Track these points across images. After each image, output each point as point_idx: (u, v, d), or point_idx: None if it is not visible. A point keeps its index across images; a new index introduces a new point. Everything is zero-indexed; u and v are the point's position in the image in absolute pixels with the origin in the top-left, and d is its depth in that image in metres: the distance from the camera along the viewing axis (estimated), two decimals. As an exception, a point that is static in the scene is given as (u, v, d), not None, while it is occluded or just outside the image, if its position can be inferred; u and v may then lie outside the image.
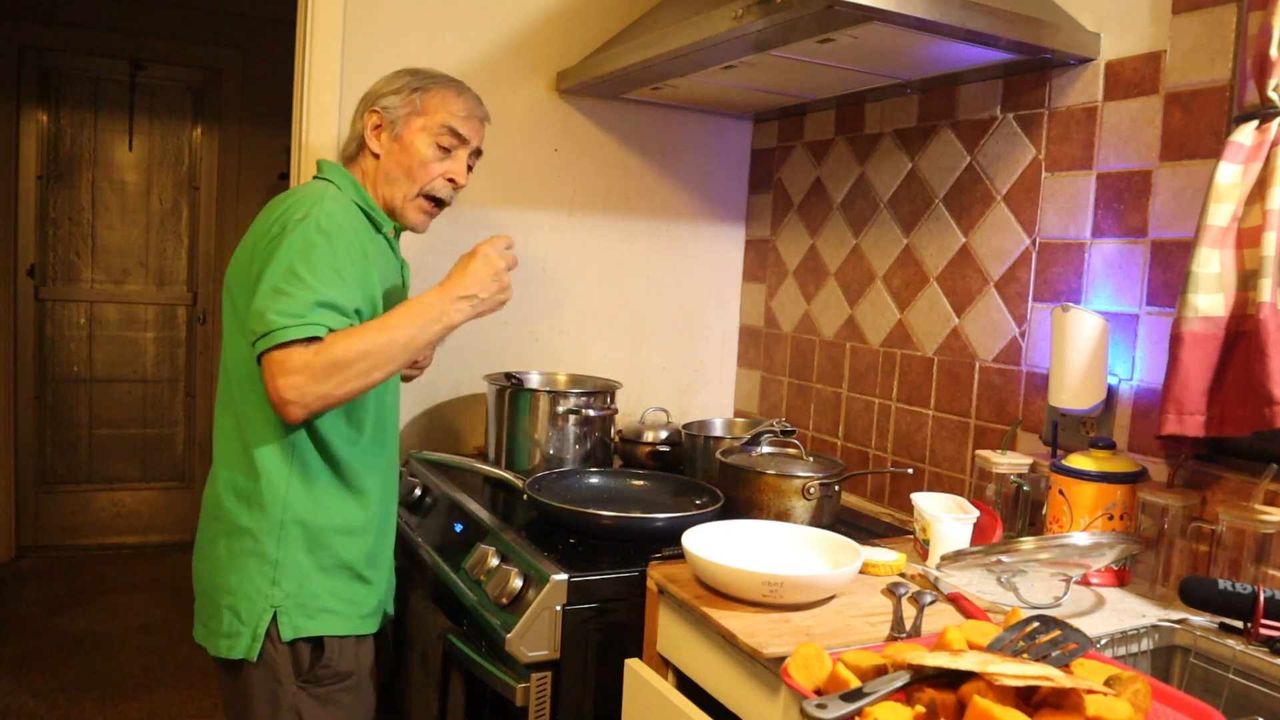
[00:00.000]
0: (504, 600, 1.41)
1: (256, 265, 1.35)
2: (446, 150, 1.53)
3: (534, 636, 1.36)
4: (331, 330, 1.30)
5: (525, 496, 1.68)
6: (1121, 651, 1.21)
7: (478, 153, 1.60)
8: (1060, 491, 1.42)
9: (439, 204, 1.56)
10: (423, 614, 1.63)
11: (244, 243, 1.44)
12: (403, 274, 1.65)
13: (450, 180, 1.55)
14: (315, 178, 1.55)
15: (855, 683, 0.91)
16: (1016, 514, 1.56)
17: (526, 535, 1.57)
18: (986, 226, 1.77)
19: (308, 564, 1.41)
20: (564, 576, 1.37)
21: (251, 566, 1.39)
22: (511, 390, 1.97)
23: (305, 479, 1.41)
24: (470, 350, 2.18)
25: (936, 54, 1.62)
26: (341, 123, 1.98)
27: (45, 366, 4.20)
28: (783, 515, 1.60)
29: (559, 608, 1.37)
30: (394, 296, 1.52)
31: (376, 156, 1.53)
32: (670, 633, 1.31)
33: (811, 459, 1.72)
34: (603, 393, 2.02)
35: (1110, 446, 1.41)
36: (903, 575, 1.38)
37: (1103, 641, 1.19)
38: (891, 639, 1.13)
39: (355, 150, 1.56)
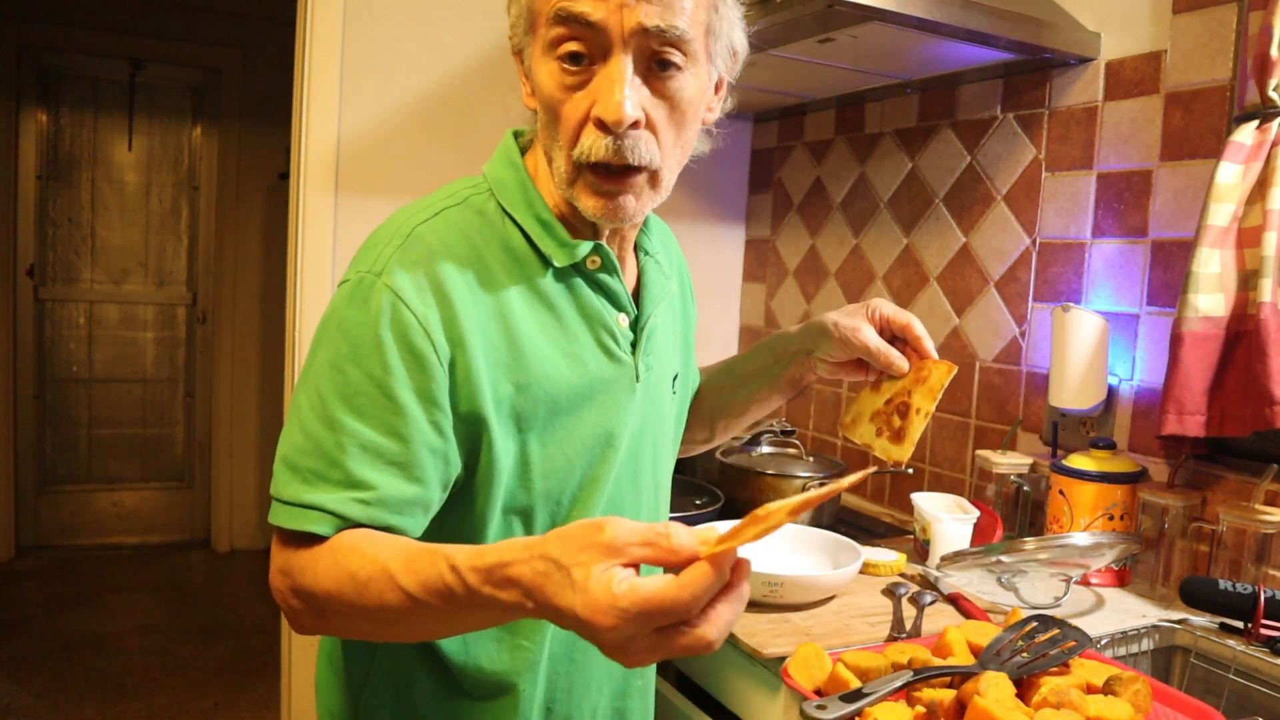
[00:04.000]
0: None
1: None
2: (573, 64, 0.81)
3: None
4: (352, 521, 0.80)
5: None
6: (1122, 651, 1.21)
7: (660, 57, 0.81)
8: (1060, 491, 1.42)
9: (618, 174, 0.83)
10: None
11: None
12: (637, 325, 0.96)
13: (599, 122, 0.81)
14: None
15: (855, 683, 0.90)
16: (1017, 514, 1.56)
17: (526, 535, 1.56)
18: (986, 226, 1.76)
19: None
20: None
21: None
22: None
23: None
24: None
25: (936, 54, 1.61)
26: (342, 122, 1.97)
27: (45, 366, 4.20)
28: (783, 515, 1.60)
29: (559, 608, 1.36)
30: (599, 397, 0.92)
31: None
32: (670, 633, 1.31)
33: (811, 459, 1.72)
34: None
35: (1110, 446, 1.41)
36: (903, 575, 1.38)
37: (1103, 641, 1.19)
38: (891, 639, 1.13)
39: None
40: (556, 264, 0.89)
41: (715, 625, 0.62)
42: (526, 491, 0.89)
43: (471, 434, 0.85)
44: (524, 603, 0.67)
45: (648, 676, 1.06)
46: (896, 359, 1.03)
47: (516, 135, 0.97)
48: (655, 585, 0.61)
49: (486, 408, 0.84)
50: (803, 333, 1.09)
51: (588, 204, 0.85)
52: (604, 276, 0.92)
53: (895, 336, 1.04)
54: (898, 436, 1.00)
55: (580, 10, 0.79)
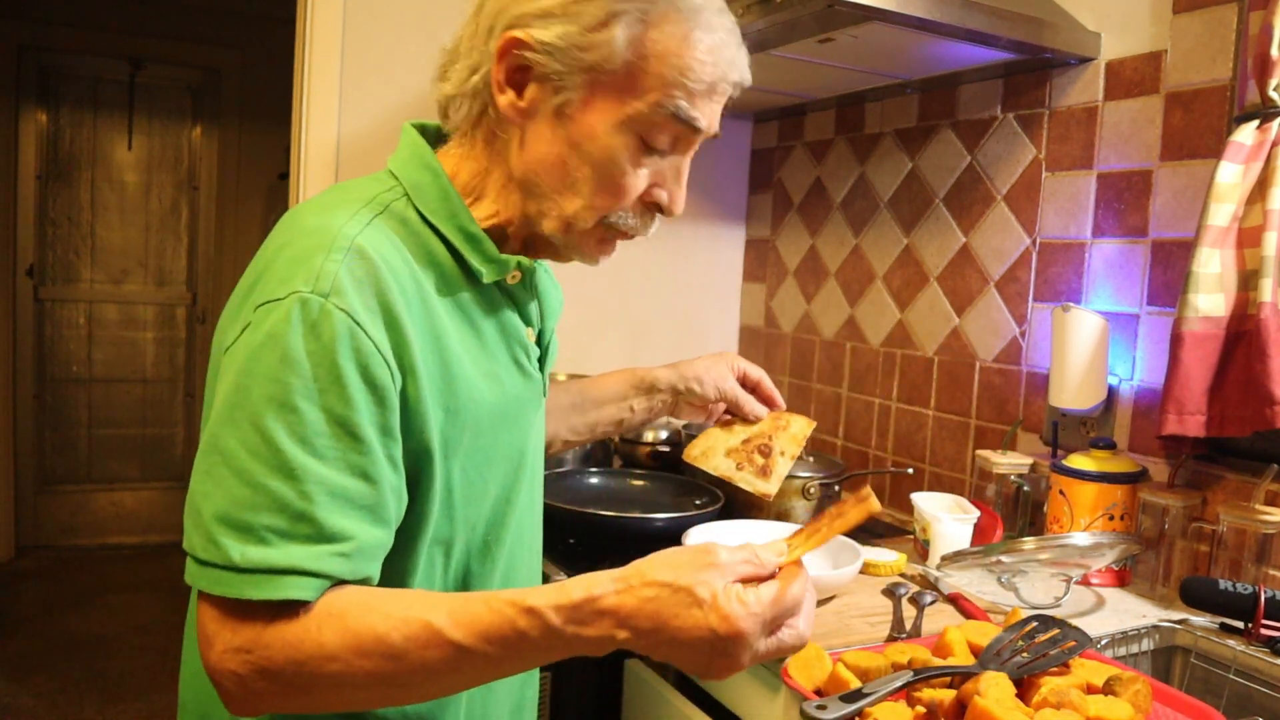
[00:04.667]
0: (504, 600, 1.41)
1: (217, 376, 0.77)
2: (654, 149, 0.83)
3: (534, 637, 1.36)
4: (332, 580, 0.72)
5: (525, 497, 1.67)
6: (1122, 652, 1.21)
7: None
8: (1060, 492, 1.41)
9: (628, 234, 0.88)
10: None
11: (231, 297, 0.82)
12: (540, 346, 0.97)
13: (653, 203, 0.86)
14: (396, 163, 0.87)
15: (855, 683, 0.90)
16: (1017, 514, 1.56)
17: (526, 535, 1.57)
18: (986, 226, 1.76)
19: None
20: (564, 577, 1.37)
21: None
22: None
23: None
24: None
25: (936, 54, 1.61)
26: (342, 122, 1.97)
27: (45, 366, 4.21)
28: (783, 515, 1.60)
29: (559, 608, 1.37)
30: (512, 410, 0.89)
31: (503, 135, 0.84)
32: (670, 633, 1.31)
33: (811, 459, 1.72)
34: (602, 393, 2.01)
35: (1110, 446, 1.41)
36: (903, 575, 1.38)
37: (1103, 642, 1.19)
38: (891, 639, 1.13)
39: (476, 113, 0.85)
40: (485, 280, 0.85)
41: (806, 618, 0.73)
42: (449, 521, 0.84)
43: (415, 466, 0.79)
44: (614, 634, 0.69)
45: (536, 686, 1.06)
46: (758, 407, 1.25)
47: (421, 130, 0.89)
48: (774, 588, 0.71)
49: (432, 437, 0.79)
50: (674, 376, 1.26)
51: (592, 252, 0.88)
52: (520, 290, 0.90)
53: (747, 386, 1.26)
54: (763, 473, 1.20)
55: (695, 116, 0.83)
